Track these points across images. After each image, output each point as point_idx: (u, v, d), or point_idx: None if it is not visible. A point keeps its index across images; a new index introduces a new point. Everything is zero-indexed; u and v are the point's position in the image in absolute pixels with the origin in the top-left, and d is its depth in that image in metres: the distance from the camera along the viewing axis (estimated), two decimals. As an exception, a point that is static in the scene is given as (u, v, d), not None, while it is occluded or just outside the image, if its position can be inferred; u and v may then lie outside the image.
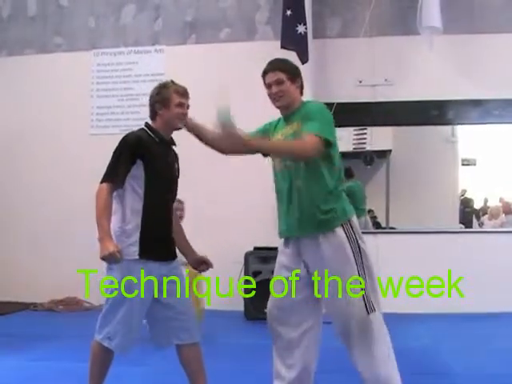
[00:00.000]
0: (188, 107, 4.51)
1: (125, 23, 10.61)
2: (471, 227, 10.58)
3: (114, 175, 4.22)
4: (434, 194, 10.46)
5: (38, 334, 8.08)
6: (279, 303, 4.45)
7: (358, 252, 4.23)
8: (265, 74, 4.51)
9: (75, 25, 10.76)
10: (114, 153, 4.30)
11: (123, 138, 4.35)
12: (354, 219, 4.35)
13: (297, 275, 4.38)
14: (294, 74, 4.49)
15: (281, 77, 4.41)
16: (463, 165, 10.59)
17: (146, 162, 4.28)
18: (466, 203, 10.78)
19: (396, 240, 9.68)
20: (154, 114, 4.48)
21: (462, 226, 10.40)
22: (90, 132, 10.43)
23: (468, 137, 10.40)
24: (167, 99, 4.39)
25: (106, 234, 4.11)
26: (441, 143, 10.46)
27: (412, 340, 7.41)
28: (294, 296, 4.39)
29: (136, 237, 4.27)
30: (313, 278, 4.32)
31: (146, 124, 4.52)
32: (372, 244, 9.17)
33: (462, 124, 9.97)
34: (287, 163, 4.37)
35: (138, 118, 9.63)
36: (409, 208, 10.39)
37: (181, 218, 7.58)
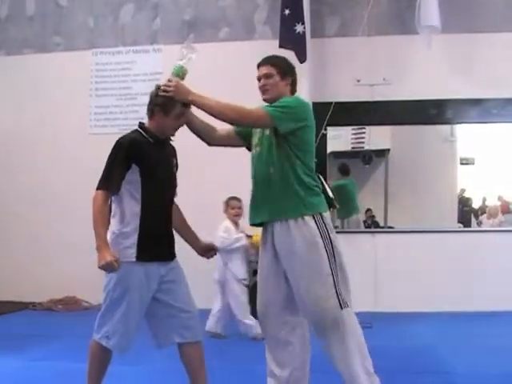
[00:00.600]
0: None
1: (123, 23, 10.61)
2: (470, 226, 10.57)
3: (109, 182, 4.23)
4: (432, 193, 10.46)
5: (37, 333, 8.09)
6: (265, 301, 4.52)
7: (330, 247, 4.28)
8: (258, 67, 4.62)
9: (74, 24, 10.76)
10: (109, 158, 4.29)
11: (117, 142, 4.32)
12: (327, 216, 4.39)
13: (276, 272, 4.45)
14: (285, 71, 4.58)
15: (271, 71, 4.52)
16: (462, 164, 10.57)
17: (141, 165, 4.27)
18: (464, 202, 10.77)
19: (394, 239, 9.68)
20: (151, 114, 4.44)
21: (461, 226, 10.39)
22: (89, 131, 10.43)
23: (467, 136, 10.38)
24: (169, 108, 4.36)
25: (103, 242, 4.13)
26: (439, 142, 10.46)
27: (411, 339, 7.42)
28: (275, 293, 4.46)
29: (134, 239, 4.28)
30: (285, 268, 4.39)
31: (140, 125, 4.50)
32: (370, 243, 9.25)
33: (460, 123, 9.97)
34: (261, 150, 4.47)
35: (136, 117, 9.57)
36: (407, 207, 10.39)
37: (239, 215, 7.56)
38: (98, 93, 10.56)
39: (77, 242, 9.78)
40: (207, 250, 4.83)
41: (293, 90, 4.64)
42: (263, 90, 4.54)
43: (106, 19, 10.67)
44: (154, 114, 4.41)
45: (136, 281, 4.26)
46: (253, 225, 4.57)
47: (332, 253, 4.26)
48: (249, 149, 4.72)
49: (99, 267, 4.11)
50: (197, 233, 4.84)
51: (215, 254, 4.89)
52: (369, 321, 7.51)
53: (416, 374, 5.80)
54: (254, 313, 8.65)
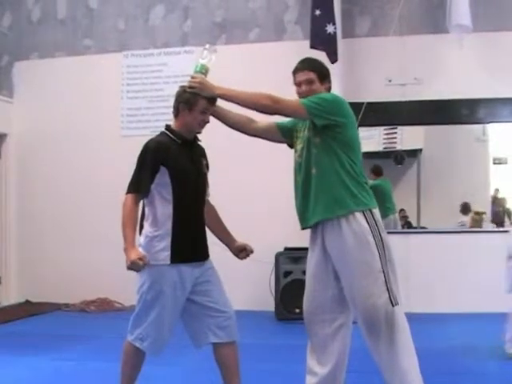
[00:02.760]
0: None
1: (154, 25, 10.64)
2: (503, 226, 10.48)
3: (138, 185, 4.28)
4: (465, 194, 10.39)
5: (70, 334, 8.16)
6: (313, 299, 4.50)
7: (381, 243, 4.25)
8: (296, 71, 4.55)
9: (105, 27, 10.82)
10: (137, 162, 4.34)
11: (144, 146, 4.37)
12: (377, 211, 4.38)
13: (325, 271, 4.43)
14: (324, 75, 4.53)
15: (311, 76, 4.47)
16: (494, 163, 10.49)
17: (169, 167, 4.29)
18: (497, 202, 10.69)
19: (427, 240, 9.63)
20: (177, 113, 4.46)
21: (494, 226, 10.32)
22: (121, 133, 10.46)
23: (499, 135, 10.30)
24: (193, 103, 4.36)
25: (130, 244, 4.17)
26: (472, 142, 10.37)
27: (445, 340, 7.38)
28: (324, 291, 4.44)
29: (167, 241, 4.31)
30: (336, 268, 4.37)
31: (167, 126, 4.53)
32: (403, 244, 9.20)
33: (492, 122, 9.88)
34: (303, 153, 4.43)
35: (168, 119, 9.50)
36: (440, 207, 10.33)
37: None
38: (129, 95, 10.59)
39: (109, 244, 9.82)
40: (240, 251, 4.78)
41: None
42: (305, 96, 4.43)
43: (136, 21, 10.71)
44: (179, 111, 4.43)
45: (170, 284, 4.28)
46: (304, 228, 4.53)
47: (383, 249, 4.23)
48: (290, 146, 4.70)
49: (127, 268, 4.15)
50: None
51: (248, 255, 4.80)
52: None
53: (447, 376, 5.78)
54: (284, 315, 8.68)
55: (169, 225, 4.32)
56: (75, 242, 10.47)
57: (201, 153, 4.64)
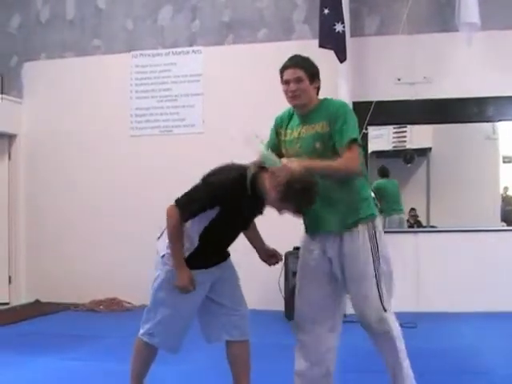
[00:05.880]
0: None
1: (162, 25, 10.64)
2: (513, 225, 10.47)
3: (189, 209, 4.14)
4: (474, 192, 10.36)
5: (79, 334, 8.15)
6: (307, 299, 4.48)
7: (377, 253, 4.27)
8: (284, 69, 4.44)
9: (113, 27, 10.83)
10: (201, 186, 4.19)
11: (219, 182, 4.13)
12: (378, 221, 4.38)
13: (322, 271, 4.43)
14: (313, 74, 4.43)
15: (300, 75, 4.35)
16: (504, 162, 10.46)
17: (224, 209, 4.15)
18: (507, 201, 10.66)
19: (437, 239, 9.60)
20: (277, 185, 3.98)
21: (504, 224, 10.29)
22: (130, 133, 10.44)
23: (509, 134, 10.25)
24: (289, 204, 4.06)
25: (180, 265, 4.17)
26: (481, 140, 10.33)
27: (453, 339, 7.36)
28: (320, 291, 4.44)
29: (187, 252, 4.25)
30: (335, 273, 4.39)
31: (253, 177, 4.16)
32: (412, 243, 9.17)
33: (502, 121, 9.84)
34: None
35: (176, 118, 9.73)
36: (450, 206, 10.29)
37: None
38: (138, 95, 10.58)
39: (119, 243, 9.89)
40: (270, 257, 4.70)
41: (318, 93, 4.53)
42: (294, 95, 4.35)
43: (144, 21, 10.71)
44: (277, 186, 3.98)
45: None
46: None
47: (378, 259, 4.28)
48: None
49: (177, 286, 4.18)
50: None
51: (277, 262, 4.72)
52: (412, 321, 7.48)
53: (458, 375, 5.75)
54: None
55: (195, 242, 4.26)
56: (84, 241, 10.49)
57: (261, 204, 4.37)
